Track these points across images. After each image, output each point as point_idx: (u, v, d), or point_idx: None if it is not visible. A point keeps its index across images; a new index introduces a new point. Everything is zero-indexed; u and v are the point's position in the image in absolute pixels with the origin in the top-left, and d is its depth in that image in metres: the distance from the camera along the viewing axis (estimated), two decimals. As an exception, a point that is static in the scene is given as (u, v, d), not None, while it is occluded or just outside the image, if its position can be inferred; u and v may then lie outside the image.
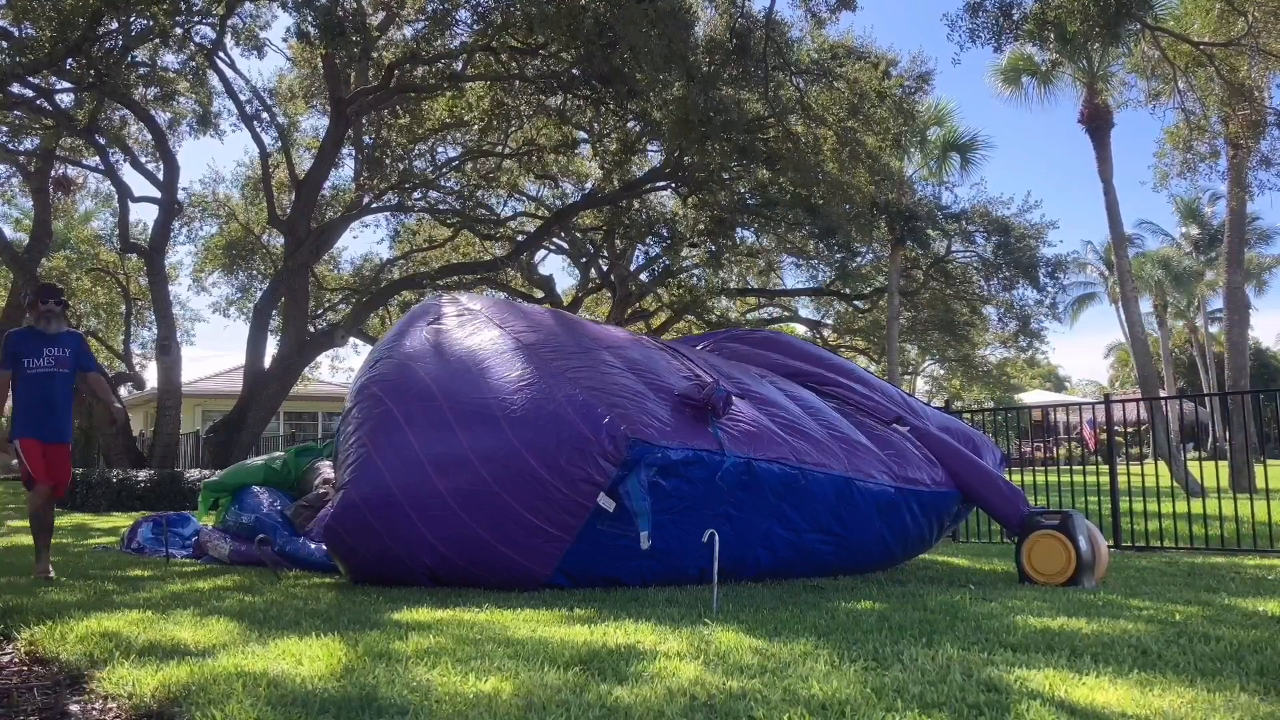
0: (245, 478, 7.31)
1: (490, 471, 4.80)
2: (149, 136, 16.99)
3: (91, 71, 13.22)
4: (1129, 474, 11.56)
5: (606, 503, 4.58)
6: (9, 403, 6.13)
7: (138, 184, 44.97)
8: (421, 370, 5.47)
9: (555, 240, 22.31)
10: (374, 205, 18.19)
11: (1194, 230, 39.58)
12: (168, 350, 16.70)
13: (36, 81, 13.97)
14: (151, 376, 23.18)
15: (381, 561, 5.17)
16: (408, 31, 15.59)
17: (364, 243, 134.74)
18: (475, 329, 5.76)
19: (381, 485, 5.03)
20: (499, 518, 4.80)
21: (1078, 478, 10.76)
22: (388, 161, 17.01)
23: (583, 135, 18.35)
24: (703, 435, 4.84)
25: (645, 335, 7.32)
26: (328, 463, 7.15)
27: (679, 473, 4.71)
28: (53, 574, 5.77)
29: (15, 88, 13.62)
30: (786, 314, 29.23)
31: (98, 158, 17.63)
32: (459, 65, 14.71)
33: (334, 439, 6.86)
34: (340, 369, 27.56)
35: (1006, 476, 6.36)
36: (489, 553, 4.88)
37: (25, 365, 5.91)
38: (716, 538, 4.34)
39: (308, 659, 3.06)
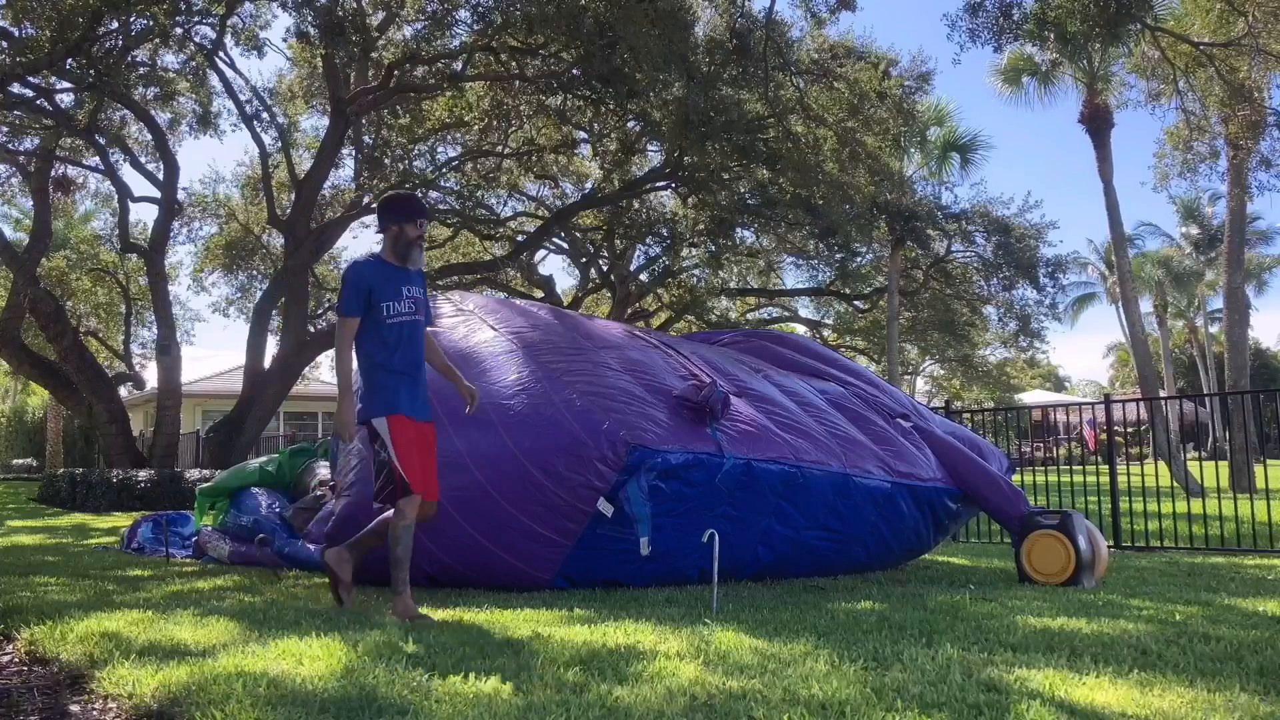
0: (239, 482, 7.27)
1: (486, 476, 4.78)
2: (149, 136, 16.99)
3: (91, 71, 13.21)
4: (1129, 474, 11.56)
5: (605, 508, 4.58)
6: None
7: (138, 184, 45.11)
8: None
9: (555, 240, 22.32)
10: (374, 205, 18.17)
11: (1194, 230, 39.60)
12: (168, 350, 16.70)
13: (36, 81, 13.96)
14: (151, 376, 23.18)
15: (382, 566, 5.17)
16: (408, 31, 15.59)
17: (364, 243, 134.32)
18: (470, 330, 5.74)
19: None
20: (498, 524, 4.78)
21: (1078, 478, 10.76)
22: (388, 161, 17.00)
23: (583, 135, 18.35)
24: (702, 437, 4.84)
25: (643, 329, 7.27)
26: (324, 463, 7.14)
27: (679, 476, 4.71)
28: (418, 610, 4.08)
29: (15, 88, 13.60)
30: (786, 314, 29.25)
31: (98, 158, 17.63)
32: (459, 65, 14.71)
33: (330, 439, 6.85)
34: (340, 369, 27.46)
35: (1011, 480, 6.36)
36: (489, 558, 4.87)
37: (384, 311, 4.22)
38: (716, 538, 4.34)
39: (308, 659, 3.06)
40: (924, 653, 3.13)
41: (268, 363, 16.76)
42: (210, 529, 7.12)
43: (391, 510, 4.19)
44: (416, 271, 4.38)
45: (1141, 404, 16.83)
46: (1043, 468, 11.84)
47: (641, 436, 4.64)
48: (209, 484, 7.47)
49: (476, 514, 4.81)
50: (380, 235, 4.41)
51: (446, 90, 15.28)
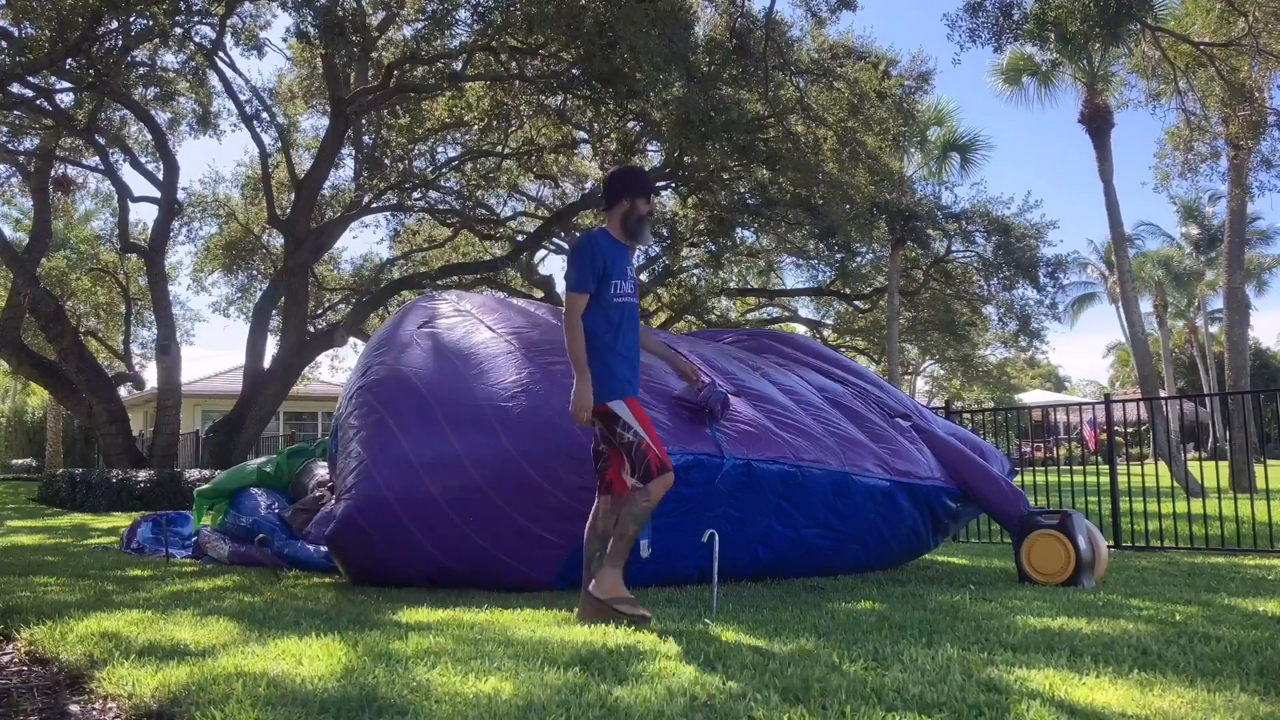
0: (237, 483, 7.26)
1: (485, 478, 4.76)
2: (149, 136, 17.00)
3: (91, 71, 13.21)
4: (1129, 474, 11.55)
5: None
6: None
7: (138, 184, 45.03)
8: (413, 375, 5.42)
9: (555, 240, 22.30)
10: (374, 205, 18.19)
11: (1194, 230, 39.61)
12: (168, 350, 16.71)
13: (36, 81, 13.97)
14: (151, 376, 23.19)
15: (383, 568, 5.16)
16: (407, 31, 15.59)
17: (364, 243, 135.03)
18: (468, 330, 5.72)
19: (379, 497, 4.98)
20: (497, 526, 4.77)
21: (1078, 478, 10.75)
22: (388, 161, 17.01)
23: (583, 135, 18.35)
24: (701, 438, 4.82)
25: (642, 327, 7.24)
26: (322, 463, 7.13)
27: (679, 477, 4.66)
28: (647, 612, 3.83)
29: (15, 88, 13.61)
30: (786, 314, 29.23)
31: (98, 158, 17.64)
32: (459, 65, 14.71)
33: (327, 439, 6.84)
34: (340, 369, 27.50)
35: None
36: (489, 561, 4.86)
37: (612, 290, 3.98)
38: (716, 538, 4.34)
39: (308, 659, 3.06)
40: (924, 653, 3.13)
41: (268, 363, 16.77)
42: (209, 529, 7.12)
43: (607, 502, 4.04)
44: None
45: (1141, 404, 16.83)
46: (1043, 468, 11.83)
47: (641, 438, 4.62)
48: (206, 486, 7.47)
49: (476, 516, 4.80)
50: (607, 211, 4.17)
51: (446, 90, 15.28)
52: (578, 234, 21.95)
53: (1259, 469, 15.85)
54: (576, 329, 3.92)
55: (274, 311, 17.59)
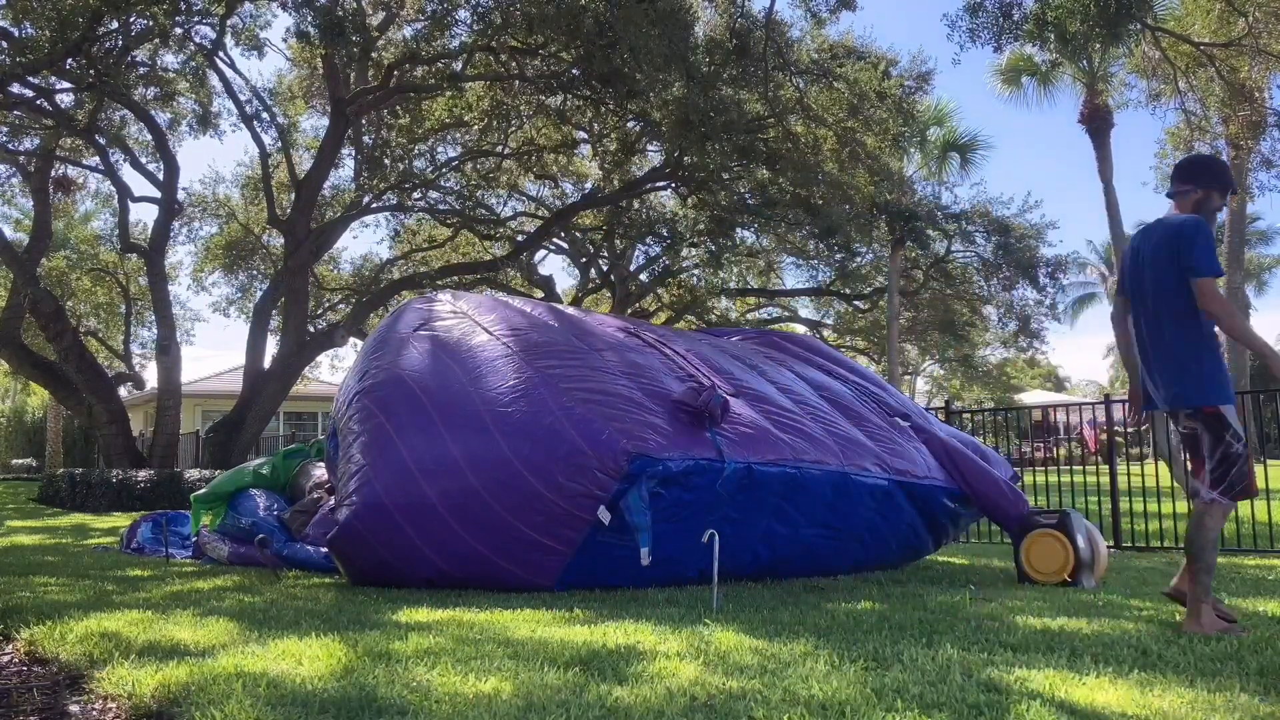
0: (234, 485, 7.22)
1: (483, 483, 4.73)
2: (149, 136, 17.00)
3: (91, 71, 13.22)
4: (1129, 474, 11.55)
5: (604, 515, 4.55)
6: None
7: (138, 184, 45.02)
8: (411, 378, 5.39)
9: (555, 240, 22.32)
10: (374, 205, 18.19)
11: (1194, 230, 39.54)
12: (167, 350, 16.71)
13: (36, 81, 13.97)
14: (151, 376, 23.22)
15: (384, 570, 5.15)
16: (407, 31, 15.60)
17: (364, 243, 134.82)
18: (464, 333, 5.69)
19: (378, 503, 4.96)
20: (497, 533, 4.75)
21: (1078, 478, 10.75)
22: (388, 161, 17.00)
23: (583, 135, 18.35)
24: (702, 442, 4.80)
25: (639, 323, 7.25)
26: (318, 464, 7.12)
27: (679, 482, 4.66)
28: (1229, 626, 3.62)
29: (15, 88, 13.61)
30: (786, 314, 29.24)
31: (98, 158, 17.64)
32: (459, 65, 14.71)
33: (323, 439, 6.83)
34: (340, 368, 27.50)
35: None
36: (489, 566, 4.84)
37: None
38: (716, 538, 4.33)
39: (308, 659, 3.06)
40: (924, 653, 3.13)
41: (268, 362, 16.77)
42: (209, 530, 7.11)
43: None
44: None
45: (1141, 404, 16.77)
46: (1043, 468, 11.82)
47: (642, 445, 4.58)
48: (203, 490, 7.43)
49: (475, 522, 4.78)
50: (1176, 194, 3.88)
51: (446, 90, 15.27)
52: (578, 234, 21.96)
53: (1259, 469, 15.83)
54: (1237, 313, 3.68)
55: (274, 311, 17.60)
